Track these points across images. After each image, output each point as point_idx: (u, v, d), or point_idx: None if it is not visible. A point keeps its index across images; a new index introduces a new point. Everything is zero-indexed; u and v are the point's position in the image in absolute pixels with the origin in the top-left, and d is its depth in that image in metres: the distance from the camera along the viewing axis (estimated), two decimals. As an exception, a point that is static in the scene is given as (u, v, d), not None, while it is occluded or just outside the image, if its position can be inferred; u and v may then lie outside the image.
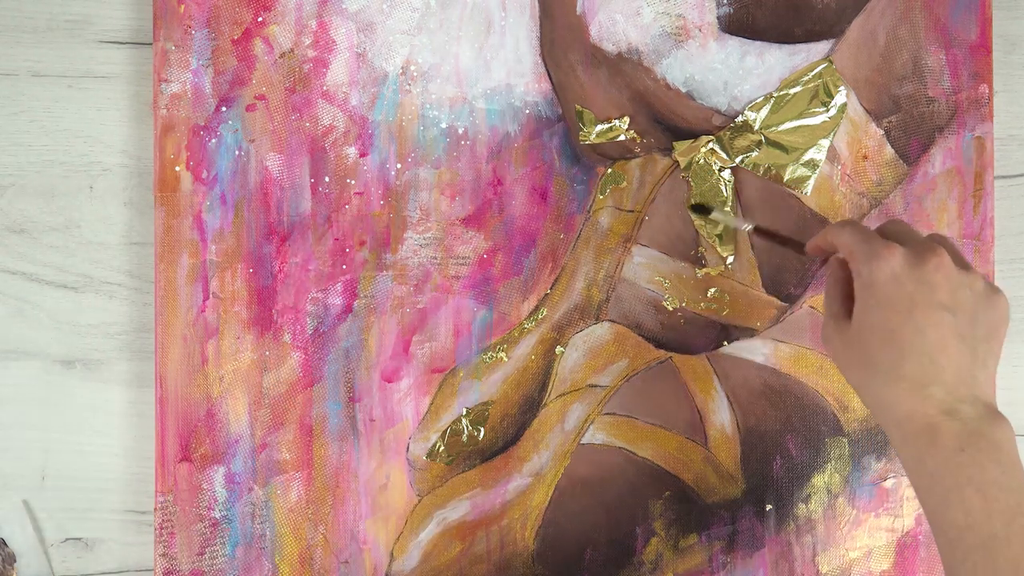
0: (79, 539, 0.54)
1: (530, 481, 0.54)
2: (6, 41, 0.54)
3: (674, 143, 0.54)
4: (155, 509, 0.51)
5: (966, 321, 0.41)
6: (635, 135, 0.54)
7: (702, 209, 0.53)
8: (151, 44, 0.52)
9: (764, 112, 0.54)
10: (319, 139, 0.52)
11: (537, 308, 0.54)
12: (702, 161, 0.54)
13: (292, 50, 0.52)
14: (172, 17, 0.52)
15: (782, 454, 0.55)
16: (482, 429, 0.53)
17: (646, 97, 0.54)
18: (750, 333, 0.55)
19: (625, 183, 0.54)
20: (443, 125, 0.53)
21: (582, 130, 0.54)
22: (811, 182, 0.55)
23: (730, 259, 0.55)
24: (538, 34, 0.53)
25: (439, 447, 0.53)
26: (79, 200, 0.54)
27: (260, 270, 0.52)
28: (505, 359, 0.54)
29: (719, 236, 0.54)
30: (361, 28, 0.53)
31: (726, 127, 0.54)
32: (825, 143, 0.55)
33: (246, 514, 0.52)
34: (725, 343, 0.55)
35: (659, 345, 0.54)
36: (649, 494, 0.54)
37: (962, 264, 0.42)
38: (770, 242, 0.53)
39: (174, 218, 0.52)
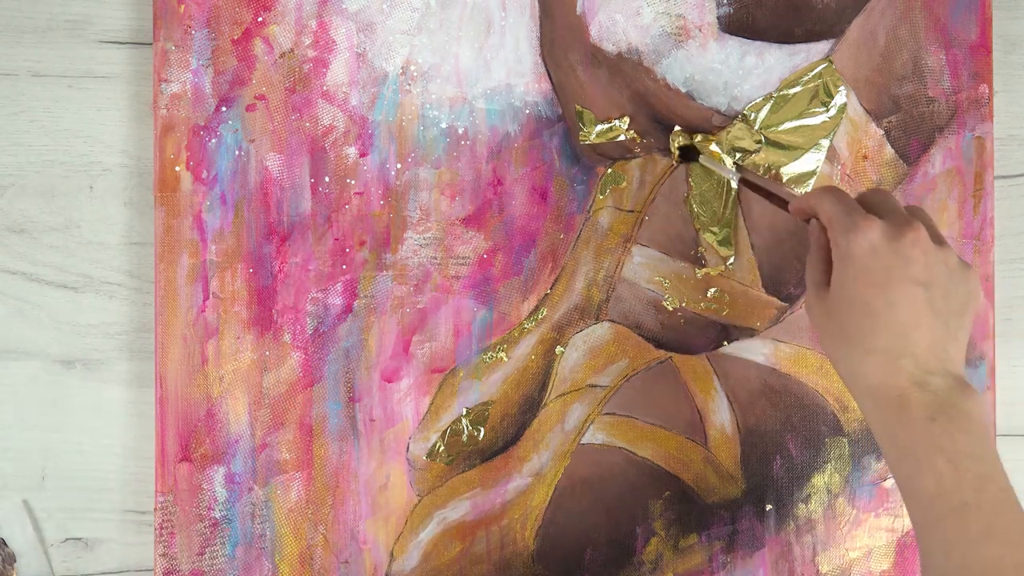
0: (79, 539, 0.54)
1: (530, 481, 0.54)
2: (6, 41, 0.54)
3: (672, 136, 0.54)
4: (155, 509, 0.51)
5: (940, 296, 0.41)
6: (635, 135, 0.54)
7: (689, 154, 0.53)
8: (151, 44, 0.52)
9: (764, 112, 0.54)
10: (319, 139, 0.52)
11: (537, 308, 0.54)
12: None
13: (292, 50, 0.52)
14: (172, 17, 0.52)
15: (782, 454, 0.55)
16: (482, 429, 0.53)
17: (646, 97, 0.54)
18: (750, 333, 0.55)
19: (625, 183, 0.54)
20: (443, 125, 0.53)
21: (582, 130, 0.54)
22: (811, 182, 0.55)
23: (730, 259, 0.55)
24: (538, 34, 0.53)
25: (439, 447, 0.53)
26: (79, 200, 0.54)
27: (260, 270, 0.52)
28: (505, 359, 0.54)
29: (715, 234, 0.54)
30: (361, 28, 0.53)
31: (726, 127, 0.54)
32: (825, 143, 0.55)
33: (246, 514, 0.52)
34: (725, 343, 0.55)
35: (659, 345, 0.54)
36: (649, 494, 0.54)
37: (938, 239, 0.43)
38: (756, 195, 0.52)
39: (174, 218, 0.52)
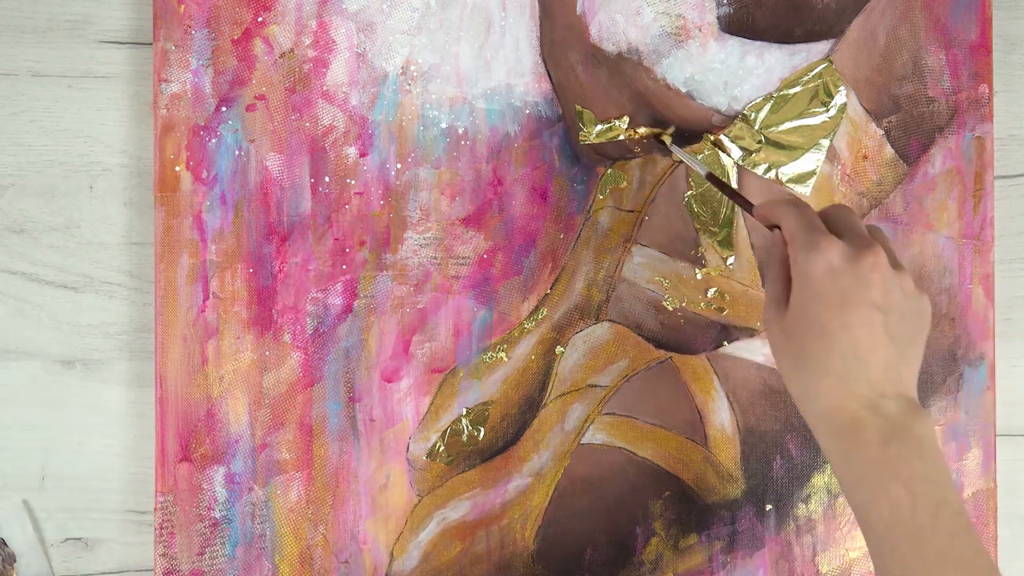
0: (79, 539, 0.54)
1: (530, 481, 0.54)
2: (6, 41, 0.54)
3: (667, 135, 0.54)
4: (155, 509, 0.51)
5: (896, 320, 0.41)
6: (635, 135, 0.54)
7: (663, 143, 0.53)
8: (151, 44, 0.52)
9: (764, 112, 0.54)
10: (319, 139, 0.52)
11: (537, 308, 0.54)
12: (701, 159, 0.54)
13: (292, 50, 0.52)
14: (172, 17, 0.52)
15: (782, 454, 0.55)
16: (482, 429, 0.53)
17: (646, 97, 0.54)
18: (750, 333, 0.55)
19: (625, 183, 0.54)
20: (443, 125, 0.53)
21: (582, 130, 0.54)
22: (811, 182, 0.55)
23: (730, 259, 0.55)
24: (538, 34, 0.53)
25: (439, 447, 0.53)
26: (79, 200, 0.54)
27: (260, 270, 0.52)
28: (505, 359, 0.54)
29: (715, 234, 0.54)
30: (361, 28, 0.53)
31: (726, 126, 0.54)
32: (825, 143, 0.55)
33: (246, 514, 0.52)
34: (725, 343, 0.55)
35: (659, 345, 0.54)
36: (649, 494, 0.54)
37: (895, 263, 0.42)
38: (721, 192, 0.52)
39: (174, 218, 0.52)
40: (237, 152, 0.52)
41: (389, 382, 0.53)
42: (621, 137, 0.54)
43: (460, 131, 0.53)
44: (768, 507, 0.55)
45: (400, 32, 0.53)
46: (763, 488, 0.55)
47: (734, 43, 0.54)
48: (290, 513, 0.52)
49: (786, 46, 0.55)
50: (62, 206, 0.54)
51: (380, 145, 0.53)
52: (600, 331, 0.54)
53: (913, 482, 0.39)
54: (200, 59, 0.52)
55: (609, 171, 0.54)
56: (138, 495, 0.54)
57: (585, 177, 0.54)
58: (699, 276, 0.54)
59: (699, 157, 0.54)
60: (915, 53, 0.55)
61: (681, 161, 0.54)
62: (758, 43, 0.55)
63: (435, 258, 0.53)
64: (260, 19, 0.52)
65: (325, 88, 0.52)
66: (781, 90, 0.55)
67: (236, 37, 0.52)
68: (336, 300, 0.53)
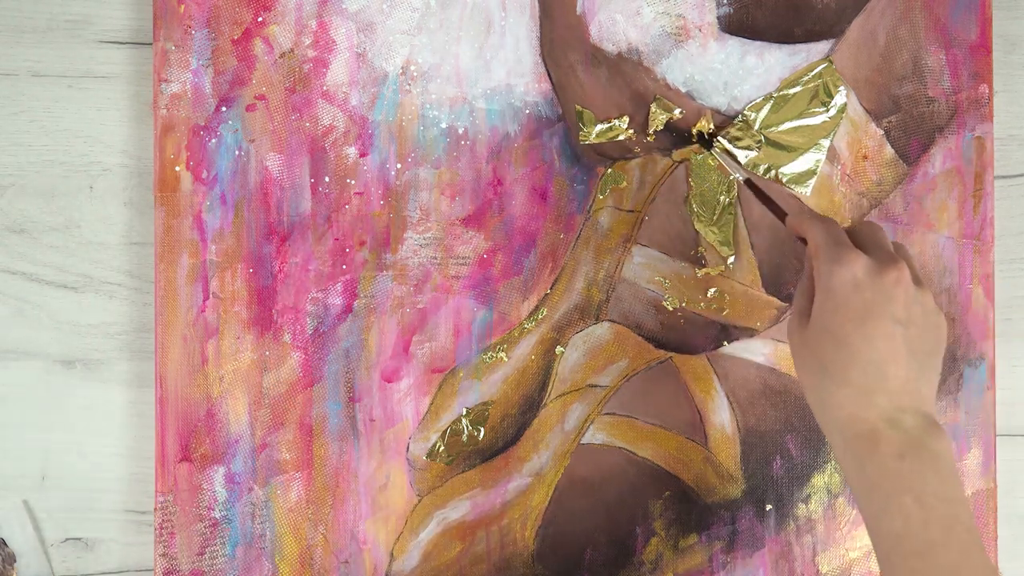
0: (79, 539, 0.54)
1: (530, 481, 0.54)
2: (6, 41, 0.54)
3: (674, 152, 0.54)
4: (155, 509, 0.51)
5: (916, 336, 0.42)
6: (635, 135, 0.54)
7: (703, 140, 0.53)
8: (151, 44, 0.52)
9: (764, 112, 0.54)
10: (319, 139, 0.52)
11: (537, 308, 0.54)
12: (700, 159, 0.54)
13: (292, 50, 0.52)
14: (172, 17, 0.52)
15: (782, 454, 0.55)
16: (482, 429, 0.53)
17: (646, 97, 0.54)
18: (750, 333, 0.55)
19: (625, 183, 0.54)
20: (443, 125, 0.53)
21: (582, 130, 0.54)
22: (811, 182, 0.55)
23: (730, 259, 0.55)
24: (538, 34, 0.53)
25: (439, 447, 0.53)
26: (79, 200, 0.54)
27: (260, 270, 0.52)
28: (505, 359, 0.54)
29: (715, 234, 0.54)
30: (361, 28, 0.53)
31: (726, 127, 0.54)
32: (825, 143, 0.55)
33: (246, 514, 0.52)
34: (725, 343, 0.55)
35: (659, 345, 0.54)
36: (649, 494, 0.54)
37: (918, 280, 0.43)
38: (756, 199, 0.52)
39: (174, 218, 0.52)
40: (237, 152, 0.52)
41: (389, 382, 0.53)
42: (621, 137, 0.54)
43: (460, 131, 0.53)
44: (768, 507, 0.55)
45: (400, 32, 0.53)
46: (763, 488, 0.55)
47: (734, 43, 0.54)
48: (290, 513, 0.52)
49: (786, 46, 0.55)
50: (62, 206, 0.54)
51: (380, 145, 0.53)
52: (600, 331, 0.54)
53: (926, 497, 0.39)
54: (200, 59, 0.52)
55: (609, 171, 0.54)
56: (138, 495, 0.54)
57: (585, 177, 0.54)
58: (699, 276, 0.54)
59: (697, 157, 0.54)
60: (915, 53, 0.55)
61: (683, 161, 0.54)
62: (758, 43, 0.55)
63: (435, 258, 0.53)
64: (260, 19, 0.52)
65: (325, 88, 0.52)
66: (781, 90, 0.55)
67: (236, 37, 0.52)
68: (336, 300, 0.53)
